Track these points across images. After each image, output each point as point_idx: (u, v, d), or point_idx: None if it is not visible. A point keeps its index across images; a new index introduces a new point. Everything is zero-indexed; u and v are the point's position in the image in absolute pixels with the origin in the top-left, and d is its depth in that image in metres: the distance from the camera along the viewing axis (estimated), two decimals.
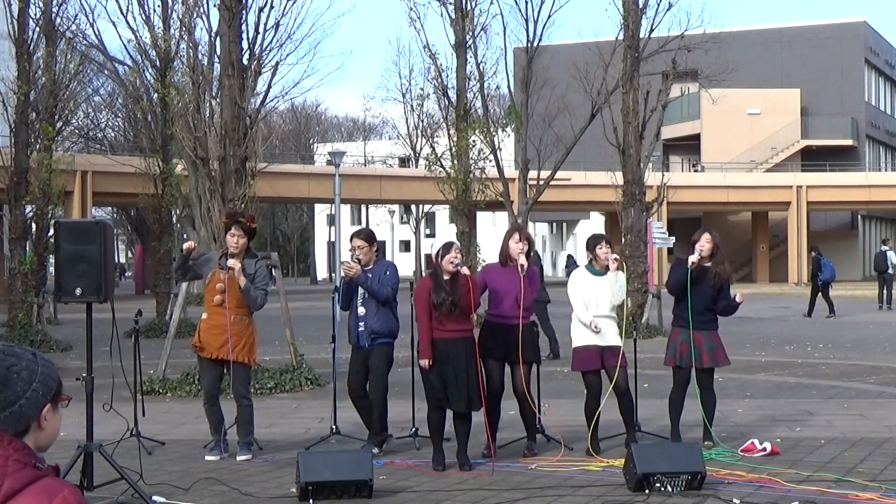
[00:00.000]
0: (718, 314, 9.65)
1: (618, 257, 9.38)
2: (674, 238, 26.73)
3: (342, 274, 9.48)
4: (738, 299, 9.63)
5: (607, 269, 9.31)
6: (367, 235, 9.62)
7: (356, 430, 9.91)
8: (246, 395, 9.32)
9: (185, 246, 9.29)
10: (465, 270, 8.68)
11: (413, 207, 65.87)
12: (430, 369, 8.61)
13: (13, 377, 2.45)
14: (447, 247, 8.84)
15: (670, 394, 9.62)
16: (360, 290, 9.43)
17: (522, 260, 9.19)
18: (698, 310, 9.43)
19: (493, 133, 29.48)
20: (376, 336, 9.42)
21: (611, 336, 9.29)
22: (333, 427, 9.88)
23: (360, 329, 9.43)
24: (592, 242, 9.49)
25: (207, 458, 9.18)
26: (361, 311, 9.46)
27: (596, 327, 9.17)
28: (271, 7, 14.89)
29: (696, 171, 63.99)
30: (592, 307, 9.27)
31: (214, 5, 14.84)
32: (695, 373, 9.45)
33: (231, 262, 9.08)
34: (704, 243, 9.48)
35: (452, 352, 8.60)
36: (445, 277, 8.70)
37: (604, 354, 9.22)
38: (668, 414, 9.58)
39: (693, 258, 9.39)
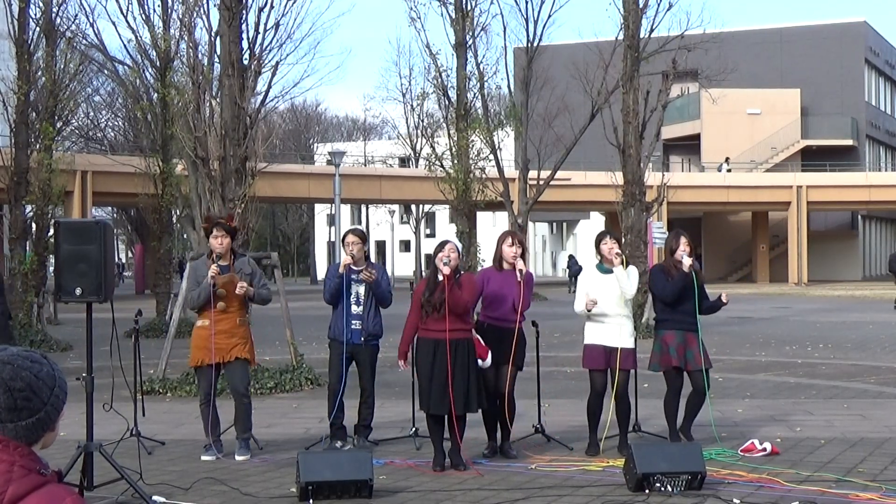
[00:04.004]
0: (703, 314, 9.63)
1: (619, 252, 9.37)
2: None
3: (360, 277, 9.54)
4: (723, 300, 9.64)
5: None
6: (361, 233, 9.87)
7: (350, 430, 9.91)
8: (245, 392, 9.37)
9: (212, 278, 9.13)
10: (445, 270, 8.60)
11: (413, 207, 65.86)
12: (429, 362, 8.60)
13: (40, 384, 2.44)
14: (441, 245, 8.83)
15: (665, 399, 9.59)
16: (354, 289, 9.56)
17: (521, 265, 9.20)
18: (691, 312, 9.45)
19: (493, 132, 29.50)
20: (371, 337, 9.69)
21: (623, 337, 9.25)
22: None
23: (355, 327, 9.59)
24: (598, 239, 9.51)
25: (203, 458, 9.19)
26: (357, 309, 9.60)
27: (590, 303, 9.16)
28: (271, 7, 14.90)
29: (699, 169, 64.01)
30: (602, 306, 9.25)
31: (214, 5, 14.84)
32: (690, 374, 9.48)
33: (238, 287, 9.13)
34: (686, 247, 9.50)
35: (439, 353, 8.58)
36: (440, 277, 8.68)
37: (612, 355, 9.21)
38: (665, 417, 9.58)
39: (688, 262, 9.39)
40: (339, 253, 9.84)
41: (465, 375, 8.60)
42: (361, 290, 9.62)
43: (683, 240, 9.53)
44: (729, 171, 60.53)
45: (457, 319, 8.64)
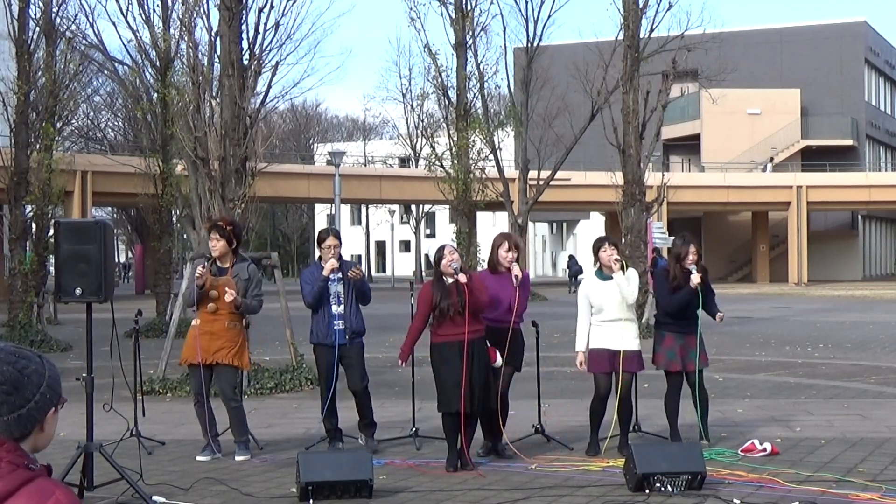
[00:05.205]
0: (708, 312, 9.67)
1: (619, 258, 9.36)
2: (674, 238, 26.73)
3: (349, 276, 9.51)
4: (717, 319, 9.65)
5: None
6: (339, 234, 9.87)
7: (352, 430, 9.91)
8: (233, 396, 9.32)
9: (199, 278, 9.13)
10: (462, 278, 8.63)
11: (413, 207, 65.88)
12: (447, 363, 8.59)
13: (24, 381, 2.42)
14: (441, 251, 8.84)
15: (666, 397, 9.62)
16: (333, 289, 9.52)
17: (516, 270, 9.23)
18: (693, 316, 9.48)
19: (493, 132, 29.52)
20: (355, 335, 9.62)
21: (627, 340, 9.24)
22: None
23: (339, 327, 9.53)
24: (596, 246, 9.48)
25: (198, 458, 9.17)
26: (339, 309, 9.54)
27: (582, 365, 9.29)
28: (271, 7, 14.89)
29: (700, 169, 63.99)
30: (604, 312, 9.25)
31: (214, 5, 14.84)
32: (689, 374, 9.52)
33: (227, 295, 9.11)
34: (693, 256, 9.51)
35: (460, 355, 8.56)
36: (450, 281, 8.69)
37: (616, 358, 9.21)
38: (666, 417, 9.59)
39: (696, 280, 9.38)
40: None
41: (486, 373, 8.66)
42: (340, 288, 9.56)
43: (692, 248, 9.52)
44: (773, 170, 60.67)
45: (475, 320, 8.66)
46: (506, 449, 9.22)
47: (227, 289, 9.12)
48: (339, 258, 9.67)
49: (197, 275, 9.12)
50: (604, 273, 9.35)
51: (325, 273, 9.44)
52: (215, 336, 9.17)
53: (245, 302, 9.22)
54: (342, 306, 9.54)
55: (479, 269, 29.30)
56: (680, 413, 9.62)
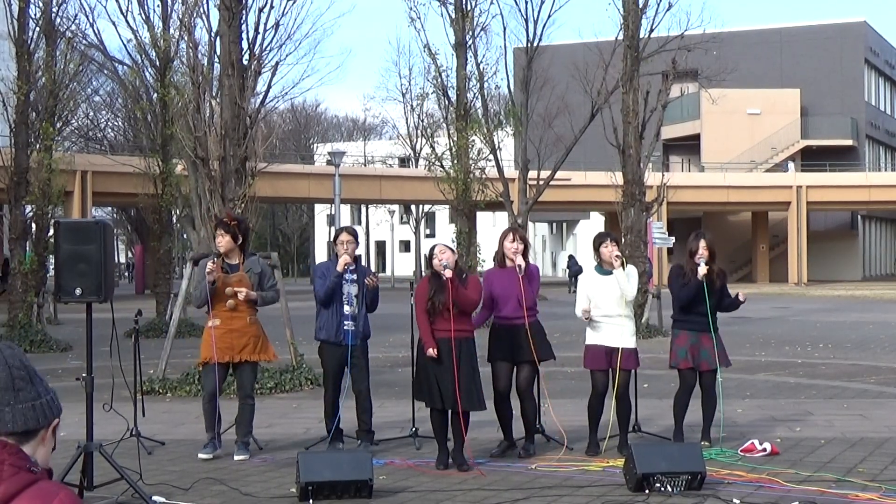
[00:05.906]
0: (723, 311, 9.69)
1: (619, 255, 9.36)
2: (674, 238, 26.77)
3: (365, 283, 9.53)
4: (741, 298, 9.65)
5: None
6: (355, 232, 9.86)
7: (352, 430, 9.91)
8: (251, 393, 9.39)
9: (209, 273, 9.12)
10: (447, 273, 8.65)
11: (413, 207, 65.82)
12: (436, 360, 8.60)
13: (36, 379, 2.46)
14: (431, 251, 8.89)
15: (676, 395, 9.60)
16: (346, 290, 9.52)
17: (520, 260, 9.22)
18: (706, 313, 9.47)
19: (493, 132, 29.51)
20: (363, 337, 9.66)
21: (624, 337, 9.24)
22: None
23: (348, 328, 9.53)
24: (597, 241, 9.49)
25: (200, 455, 9.18)
26: (349, 310, 9.55)
27: (586, 314, 9.21)
28: (271, 7, 14.89)
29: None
30: (602, 308, 9.25)
31: (214, 5, 14.84)
32: (703, 374, 9.53)
33: (240, 294, 9.14)
34: (704, 251, 9.50)
35: (448, 352, 8.58)
36: (443, 278, 8.71)
37: (614, 355, 9.21)
38: (673, 415, 9.58)
39: (702, 271, 9.38)
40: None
41: (471, 373, 8.65)
42: (353, 290, 9.57)
43: (703, 243, 9.52)
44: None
45: (462, 319, 8.68)
46: (530, 447, 9.24)
47: (237, 289, 9.14)
48: (357, 260, 9.71)
49: (207, 270, 9.10)
50: (604, 269, 9.36)
51: (338, 268, 9.45)
52: (239, 333, 9.20)
53: (261, 295, 9.31)
54: (352, 307, 9.55)
55: (480, 268, 29.33)
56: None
